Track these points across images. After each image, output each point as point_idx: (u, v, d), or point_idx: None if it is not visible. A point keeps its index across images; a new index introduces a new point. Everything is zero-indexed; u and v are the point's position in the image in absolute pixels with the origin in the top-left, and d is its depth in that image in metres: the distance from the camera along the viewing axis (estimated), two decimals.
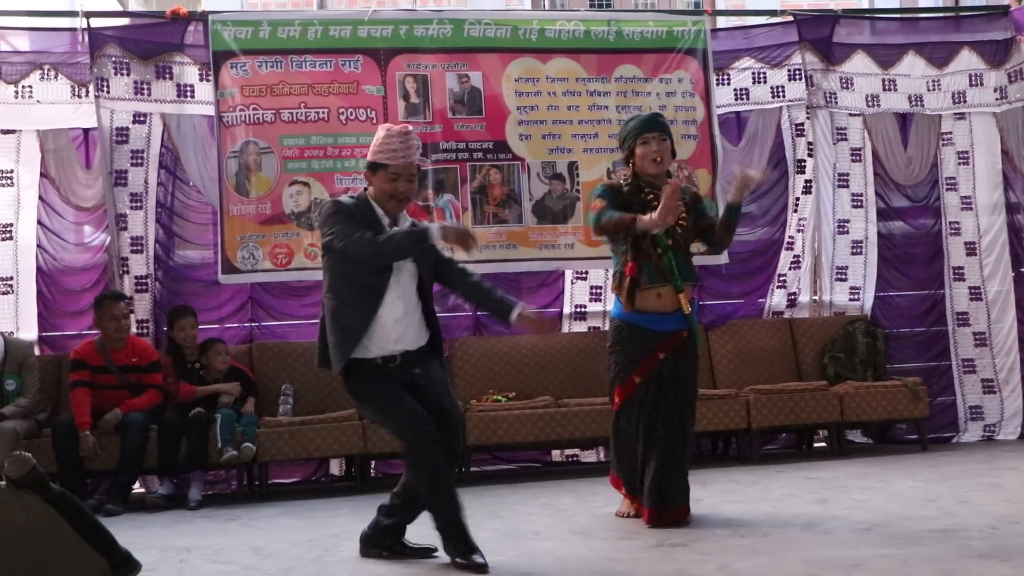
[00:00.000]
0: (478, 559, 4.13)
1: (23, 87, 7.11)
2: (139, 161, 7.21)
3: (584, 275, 7.87)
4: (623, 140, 5.11)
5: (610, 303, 7.85)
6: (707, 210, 5.22)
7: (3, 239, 7.13)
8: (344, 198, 4.40)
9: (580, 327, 7.89)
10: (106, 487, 6.57)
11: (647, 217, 4.78)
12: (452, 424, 4.33)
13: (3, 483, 3.02)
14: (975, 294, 8.15)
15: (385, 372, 4.24)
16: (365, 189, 4.38)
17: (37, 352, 6.94)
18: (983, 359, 8.08)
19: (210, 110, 7.24)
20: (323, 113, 7.29)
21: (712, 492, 5.89)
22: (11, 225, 7.14)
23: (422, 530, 4.43)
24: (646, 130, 4.98)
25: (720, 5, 10.53)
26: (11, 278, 7.11)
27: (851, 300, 8.10)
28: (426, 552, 4.43)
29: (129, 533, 5.36)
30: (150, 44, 7.22)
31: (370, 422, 4.47)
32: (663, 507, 4.84)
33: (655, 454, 4.88)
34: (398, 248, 4.18)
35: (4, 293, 7.07)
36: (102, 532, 3.18)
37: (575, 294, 7.88)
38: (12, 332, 6.94)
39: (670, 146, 5.03)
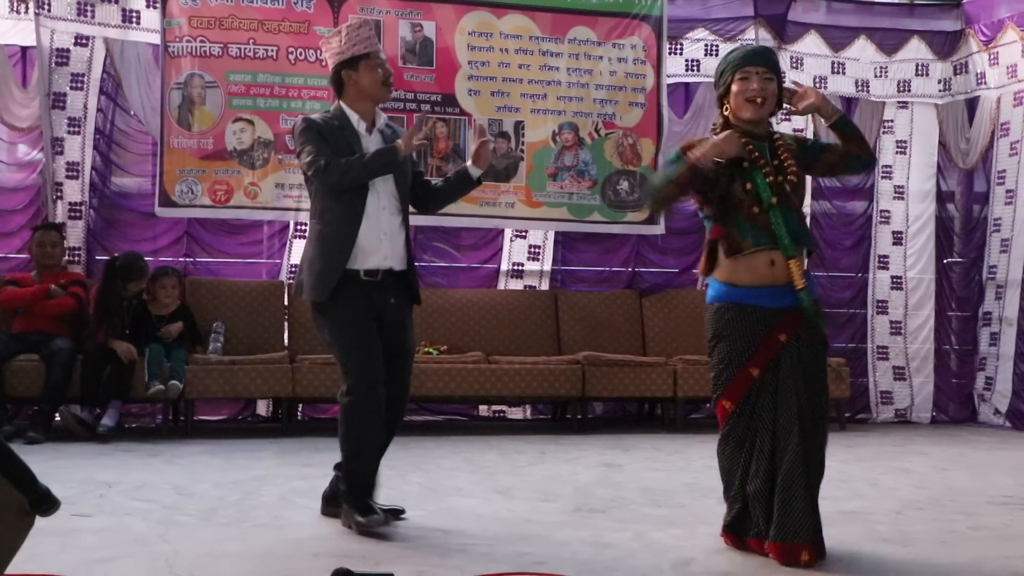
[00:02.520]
0: (375, 519, 3.99)
1: None
2: (79, 85, 7.05)
3: (524, 234, 7.91)
4: (720, 74, 3.91)
5: (547, 263, 7.97)
6: (817, 145, 4.03)
7: None
8: (315, 115, 4.19)
9: (516, 284, 7.93)
10: (28, 414, 6.50)
11: (697, 150, 3.69)
12: (406, 365, 4.22)
13: None
14: (896, 283, 8.37)
15: (363, 292, 4.06)
16: (338, 101, 4.18)
17: None
18: (896, 346, 8.32)
19: (156, 38, 7.10)
20: (272, 51, 7.18)
21: (635, 458, 5.99)
22: None
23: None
24: (747, 63, 3.81)
25: None
26: None
27: None
28: (394, 514, 4.21)
29: (50, 463, 5.29)
30: None
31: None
32: (786, 544, 3.63)
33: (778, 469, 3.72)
34: (365, 171, 4.00)
35: None
36: (21, 468, 3.07)
37: (513, 252, 7.92)
38: None
39: (776, 89, 3.83)
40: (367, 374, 4.01)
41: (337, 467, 4.25)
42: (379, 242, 4.08)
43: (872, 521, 4.38)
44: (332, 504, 4.27)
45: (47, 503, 3.12)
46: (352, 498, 4.06)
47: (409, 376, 4.26)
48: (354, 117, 4.13)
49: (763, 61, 3.85)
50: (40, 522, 3.07)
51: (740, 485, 3.80)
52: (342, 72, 4.11)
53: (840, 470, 5.76)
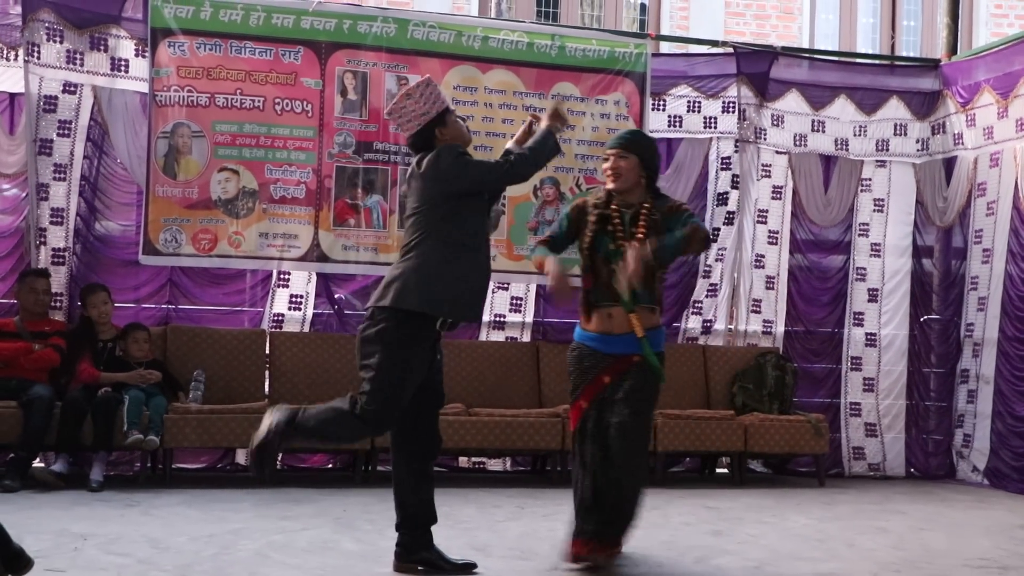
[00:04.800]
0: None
1: None
2: (66, 132, 7.10)
3: (506, 286, 7.96)
4: None
5: (529, 315, 8.03)
6: (677, 223, 4.69)
7: None
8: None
9: (498, 336, 7.97)
10: (4, 460, 6.48)
11: (551, 277, 4.62)
12: (439, 406, 4.49)
13: None
14: (870, 340, 8.46)
15: (429, 337, 4.28)
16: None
17: None
18: (868, 403, 8.40)
19: (144, 87, 7.15)
20: (259, 101, 7.25)
21: None
22: None
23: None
24: (610, 145, 4.87)
25: (664, 29, 10.66)
26: None
27: (764, 332, 8.32)
28: (467, 568, 4.37)
29: (25, 513, 5.29)
30: (86, 13, 7.10)
31: (358, 362, 4.27)
32: (585, 541, 4.58)
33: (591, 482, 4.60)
34: (543, 155, 4.49)
35: None
36: None
37: (495, 303, 7.97)
38: None
39: (635, 164, 4.71)
40: (387, 417, 4.22)
41: (398, 527, 4.44)
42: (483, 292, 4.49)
43: None
44: (405, 559, 4.40)
45: (20, 561, 3.14)
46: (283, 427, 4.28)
47: (437, 430, 4.49)
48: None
49: (619, 144, 4.79)
50: None
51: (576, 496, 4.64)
52: (435, 129, 4.39)
53: (817, 528, 5.83)
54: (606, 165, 4.78)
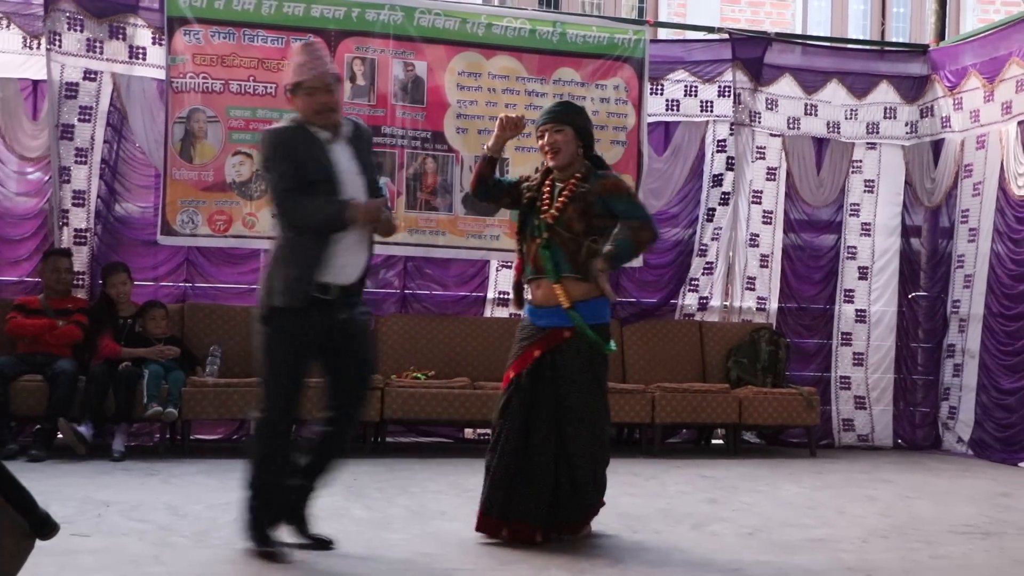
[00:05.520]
0: (269, 551, 4.05)
1: None
2: (87, 117, 7.35)
3: (509, 264, 8.17)
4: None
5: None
6: (617, 208, 4.58)
7: None
8: (281, 125, 4.26)
9: (502, 312, 8.23)
10: (31, 432, 6.76)
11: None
12: (358, 378, 4.24)
13: None
14: (860, 316, 8.72)
15: (317, 311, 4.05)
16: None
17: None
18: (858, 376, 8.67)
19: (161, 74, 7.40)
20: (271, 88, 7.51)
21: (612, 483, 6.07)
22: None
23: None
24: (541, 121, 4.69)
25: (662, 16, 10.88)
26: None
27: (758, 308, 8.58)
28: (321, 544, 4.24)
29: (51, 481, 5.47)
30: (105, 3, 7.34)
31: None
32: (503, 523, 4.49)
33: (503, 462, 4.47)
34: (312, 219, 4.06)
35: None
36: (22, 492, 3.22)
37: (499, 281, 8.22)
38: None
39: (571, 136, 4.60)
40: (281, 404, 4.09)
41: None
42: (345, 257, 4.11)
43: (838, 549, 4.58)
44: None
45: (47, 527, 3.24)
46: (250, 521, 4.10)
47: (363, 390, 4.29)
48: (312, 129, 4.13)
49: (551, 118, 4.63)
50: (39, 543, 3.26)
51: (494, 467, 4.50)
52: (287, 93, 4.22)
53: (809, 497, 6.01)
54: (542, 142, 4.63)
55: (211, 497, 5.36)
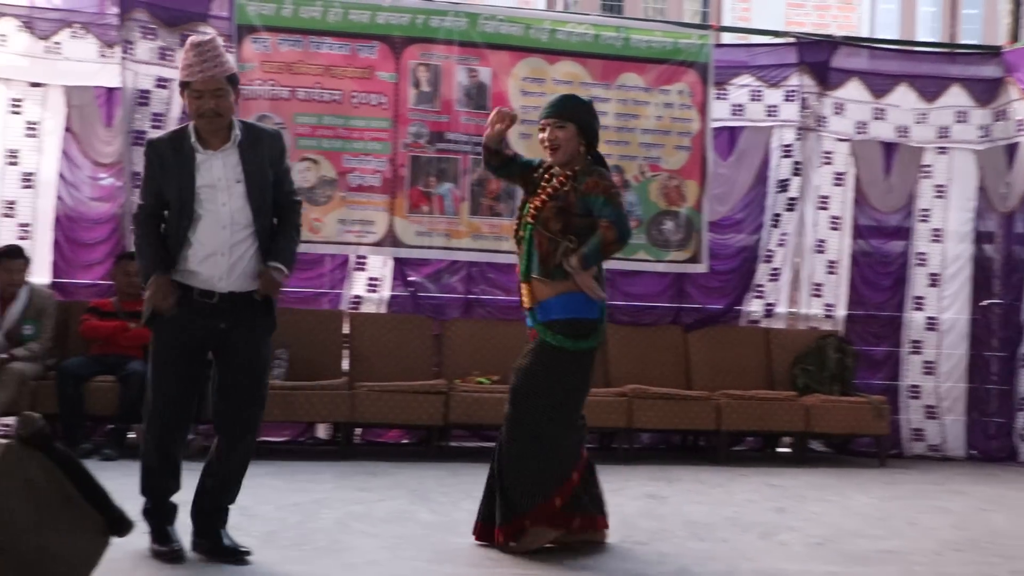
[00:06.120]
0: (173, 546, 4.03)
1: (53, 43, 7.39)
2: (159, 124, 7.46)
3: None
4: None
5: None
6: (594, 208, 4.38)
7: (25, 187, 7.44)
8: (160, 135, 4.20)
9: None
10: (104, 431, 6.92)
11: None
12: (237, 396, 4.05)
13: (13, 441, 3.14)
14: (931, 324, 8.55)
15: (197, 314, 3.97)
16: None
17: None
18: (928, 385, 8.50)
19: None
20: (337, 95, 7.59)
21: (678, 490, 6.18)
22: (33, 174, 7.45)
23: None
24: (543, 114, 4.52)
25: (726, 20, 10.84)
26: (29, 225, 7.44)
27: (826, 315, 8.48)
28: (234, 556, 4.07)
29: (123, 480, 5.45)
30: (177, 12, 7.49)
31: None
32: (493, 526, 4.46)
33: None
34: (138, 255, 4.14)
35: (22, 238, 7.37)
36: (100, 490, 3.28)
37: None
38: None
39: (573, 133, 4.42)
40: (161, 406, 4.03)
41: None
42: (215, 263, 3.97)
43: (911, 562, 4.47)
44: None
45: (123, 524, 3.30)
46: (148, 521, 4.09)
47: (244, 410, 4.08)
48: (193, 138, 3.99)
49: (553, 112, 4.46)
50: (115, 539, 3.31)
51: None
52: (181, 91, 4.05)
53: (879, 507, 5.90)
54: (542, 136, 4.45)
55: (279, 498, 5.41)
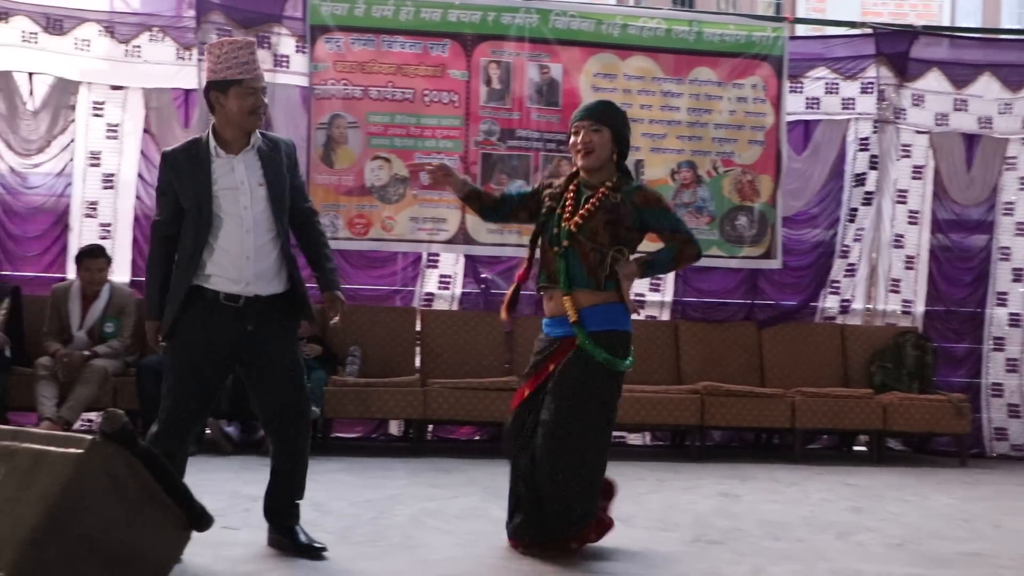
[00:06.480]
0: None
1: (133, 46, 7.56)
2: None
3: None
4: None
5: (669, 292, 8.21)
6: (658, 222, 4.30)
7: (106, 187, 7.64)
8: (175, 147, 4.12)
9: (636, 317, 8.13)
10: None
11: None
12: (288, 421, 4.06)
13: (98, 437, 3.19)
14: (1014, 320, 8.33)
15: (219, 319, 3.94)
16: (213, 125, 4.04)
17: None
18: (1011, 383, 8.29)
19: (303, 81, 7.61)
20: (408, 94, 7.64)
21: (752, 489, 6.12)
22: (114, 175, 7.64)
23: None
24: (577, 117, 4.35)
25: (800, 12, 10.67)
26: (110, 225, 7.63)
27: (904, 312, 8.31)
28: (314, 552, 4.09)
29: (202, 476, 5.55)
30: (252, 14, 7.59)
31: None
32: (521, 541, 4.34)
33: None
34: (146, 283, 4.20)
35: (103, 238, 7.55)
36: (180, 485, 3.35)
37: (636, 283, 8.10)
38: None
39: (608, 139, 4.27)
40: (170, 422, 4.00)
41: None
42: (245, 263, 3.94)
43: (998, 565, 4.36)
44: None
45: (203, 519, 3.35)
46: None
47: (290, 408, 4.05)
48: (213, 143, 3.98)
49: (588, 115, 4.30)
50: (195, 534, 3.37)
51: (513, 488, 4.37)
52: (211, 93, 3.98)
53: (961, 508, 5.76)
54: (576, 139, 4.28)
55: (353, 494, 5.46)
